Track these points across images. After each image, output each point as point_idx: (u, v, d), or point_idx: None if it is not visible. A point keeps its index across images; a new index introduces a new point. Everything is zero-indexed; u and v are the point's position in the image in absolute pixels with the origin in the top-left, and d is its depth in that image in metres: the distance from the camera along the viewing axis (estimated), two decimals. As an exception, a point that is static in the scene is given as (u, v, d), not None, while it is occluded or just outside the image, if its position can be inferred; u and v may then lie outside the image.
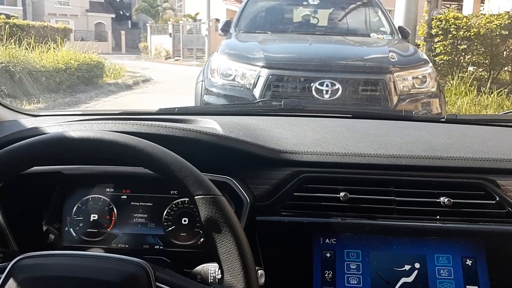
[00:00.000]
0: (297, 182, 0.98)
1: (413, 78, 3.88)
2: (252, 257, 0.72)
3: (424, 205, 0.95)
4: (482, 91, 6.91)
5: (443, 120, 1.43)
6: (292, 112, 1.52)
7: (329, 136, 1.13)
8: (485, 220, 0.94)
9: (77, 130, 0.76)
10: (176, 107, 1.43)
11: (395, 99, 3.69)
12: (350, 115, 1.48)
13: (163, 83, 11.32)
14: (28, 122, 1.16)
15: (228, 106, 2.23)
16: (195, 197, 0.72)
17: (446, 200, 0.94)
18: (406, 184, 0.98)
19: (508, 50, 7.89)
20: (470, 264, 0.88)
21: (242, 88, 3.75)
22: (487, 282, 0.86)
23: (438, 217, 0.94)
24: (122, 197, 1.06)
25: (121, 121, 1.01)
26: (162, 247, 1.03)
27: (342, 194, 0.96)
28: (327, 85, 3.66)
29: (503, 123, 1.41)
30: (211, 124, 1.11)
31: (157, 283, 0.70)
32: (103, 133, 0.74)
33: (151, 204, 1.05)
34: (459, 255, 0.89)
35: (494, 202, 0.95)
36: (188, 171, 0.73)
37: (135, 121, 1.00)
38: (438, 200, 0.95)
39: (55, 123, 1.08)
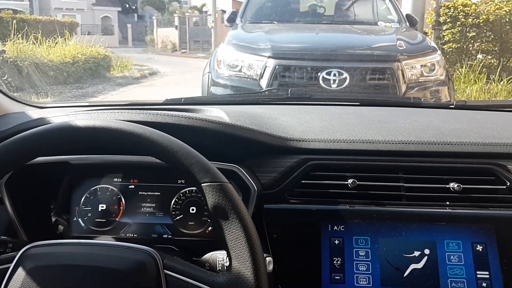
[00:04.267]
0: (305, 169, 0.98)
1: (421, 66, 3.84)
2: (260, 244, 0.72)
3: (433, 191, 0.94)
4: (492, 78, 6.83)
5: (452, 106, 1.41)
6: (299, 101, 1.51)
7: (337, 123, 1.12)
8: (495, 205, 0.92)
9: (82, 119, 0.76)
10: (182, 98, 1.43)
11: (403, 87, 3.66)
12: (358, 103, 1.47)
13: (170, 76, 11.32)
14: (35, 114, 1.16)
15: (234, 96, 2.23)
16: (202, 184, 0.71)
17: (455, 185, 0.93)
18: (415, 170, 0.97)
19: (518, 36, 7.77)
20: (480, 250, 0.87)
21: (248, 79, 3.74)
22: (498, 268, 0.86)
23: (447, 202, 0.93)
24: (130, 186, 1.06)
25: (128, 110, 1.01)
26: (170, 236, 1.03)
27: (350, 181, 0.95)
28: (334, 75, 3.64)
29: None
30: (217, 113, 1.10)
31: (165, 271, 0.70)
32: (109, 122, 0.74)
33: (159, 193, 1.05)
34: (469, 241, 0.88)
35: (504, 187, 0.94)
36: (195, 158, 0.73)
37: (142, 110, 1.00)
38: (447, 186, 0.94)
39: (61, 113, 1.08)
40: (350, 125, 1.10)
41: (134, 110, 1.00)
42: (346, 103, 1.52)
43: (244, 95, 1.92)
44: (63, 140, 0.74)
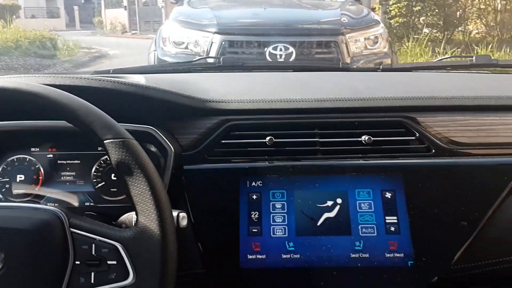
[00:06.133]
0: (224, 130, 0.98)
1: (365, 39, 3.92)
2: (167, 197, 0.72)
3: (346, 144, 0.97)
4: (437, 52, 7.06)
5: (379, 69, 1.45)
6: (232, 69, 1.51)
7: (259, 86, 1.13)
8: (405, 156, 0.97)
9: None
10: (111, 69, 1.40)
11: (348, 60, 3.73)
12: (291, 70, 1.48)
13: (120, 58, 11.02)
14: None
15: (165, 65, 2.19)
16: (104, 141, 0.71)
17: (367, 138, 0.96)
18: (330, 125, 0.99)
19: (460, 10, 8.04)
20: (389, 197, 0.91)
21: (195, 56, 3.70)
22: (405, 213, 0.90)
23: (360, 155, 0.96)
24: (49, 156, 1.03)
25: (39, 75, 0.98)
26: (93, 204, 1.01)
27: (268, 138, 0.97)
28: (280, 49, 3.66)
29: (436, 69, 1.44)
30: (138, 79, 1.09)
31: (71, 229, 0.70)
32: (5, 82, 0.72)
33: (79, 161, 1.03)
34: (379, 189, 0.92)
35: (414, 138, 0.98)
36: (96, 116, 0.72)
37: (52, 75, 0.97)
38: (359, 139, 0.97)
39: None
40: (272, 87, 1.12)
41: (42, 75, 0.97)
42: (279, 70, 1.54)
43: (176, 65, 1.90)
44: None
